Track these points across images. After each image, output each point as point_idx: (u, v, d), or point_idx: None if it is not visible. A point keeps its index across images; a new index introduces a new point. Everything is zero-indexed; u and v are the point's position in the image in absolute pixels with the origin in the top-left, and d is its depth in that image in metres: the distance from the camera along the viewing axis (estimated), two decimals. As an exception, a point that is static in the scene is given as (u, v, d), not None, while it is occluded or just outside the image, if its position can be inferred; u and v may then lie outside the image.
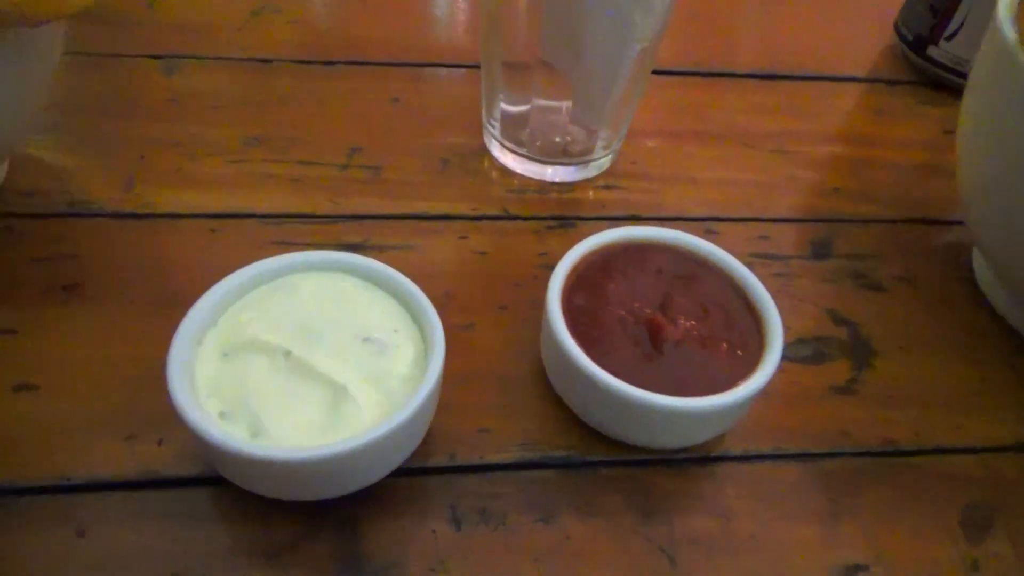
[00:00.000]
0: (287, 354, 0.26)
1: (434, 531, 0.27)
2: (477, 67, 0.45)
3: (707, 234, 0.39)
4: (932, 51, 0.51)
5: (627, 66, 0.36)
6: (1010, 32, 0.30)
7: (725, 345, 0.29)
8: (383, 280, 0.29)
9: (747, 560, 0.27)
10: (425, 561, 0.26)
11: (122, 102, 0.42)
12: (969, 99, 0.35)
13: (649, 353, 0.28)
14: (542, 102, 0.39)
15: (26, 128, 0.33)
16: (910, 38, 0.52)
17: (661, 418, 0.27)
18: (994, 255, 0.35)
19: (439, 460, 0.29)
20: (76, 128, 0.39)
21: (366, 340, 0.27)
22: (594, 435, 0.30)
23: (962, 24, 0.49)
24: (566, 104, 0.39)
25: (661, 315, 0.29)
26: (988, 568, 0.28)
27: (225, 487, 0.27)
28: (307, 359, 0.26)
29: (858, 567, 0.28)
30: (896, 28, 0.54)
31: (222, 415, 0.25)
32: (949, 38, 0.50)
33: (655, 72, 0.49)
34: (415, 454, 0.28)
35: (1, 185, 0.36)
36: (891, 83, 0.52)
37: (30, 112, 0.33)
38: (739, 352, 0.29)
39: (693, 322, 0.29)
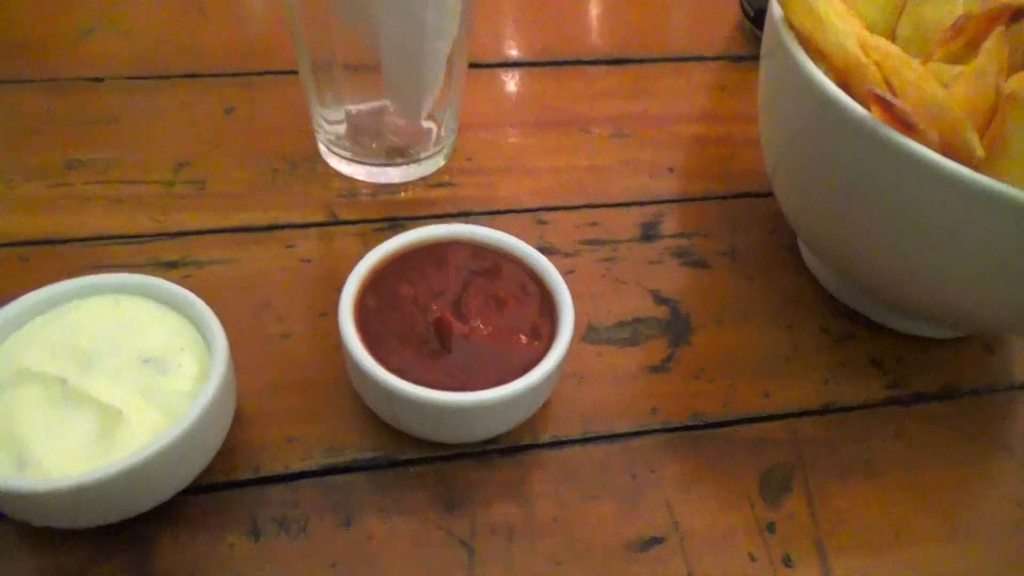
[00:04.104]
0: (63, 382, 0.26)
1: (231, 544, 0.27)
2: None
3: (537, 224, 0.40)
4: (772, 26, 0.52)
5: (434, 63, 0.36)
6: (777, 8, 0.31)
7: (522, 336, 0.30)
8: (171, 299, 0.29)
9: (546, 543, 0.28)
10: None
11: (-63, 132, 0.41)
12: (762, 60, 0.35)
13: (436, 350, 0.28)
14: (356, 107, 0.39)
15: None
16: (752, 14, 0.54)
17: (447, 414, 0.27)
18: (796, 224, 0.36)
19: (243, 473, 0.29)
20: None
21: (146, 361, 0.27)
22: (403, 436, 0.30)
23: (794, -2, 0.50)
24: (389, 105, 0.39)
25: (449, 313, 0.29)
26: (784, 529, 0.30)
27: (10, 522, 0.27)
28: (83, 386, 0.26)
29: (654, 539, 0.29)
30: (741, 5, 0.55)
31: (-11, 450, 0.25)
32: (785, 12, 0.51)
33: (500, 65, 0.50)
34: (215, 469, 0.28)
35: None
36: (736, 59, 0.53)
37: None
38: (536, 342, 0.29)
39: (486, 317, 0.29)
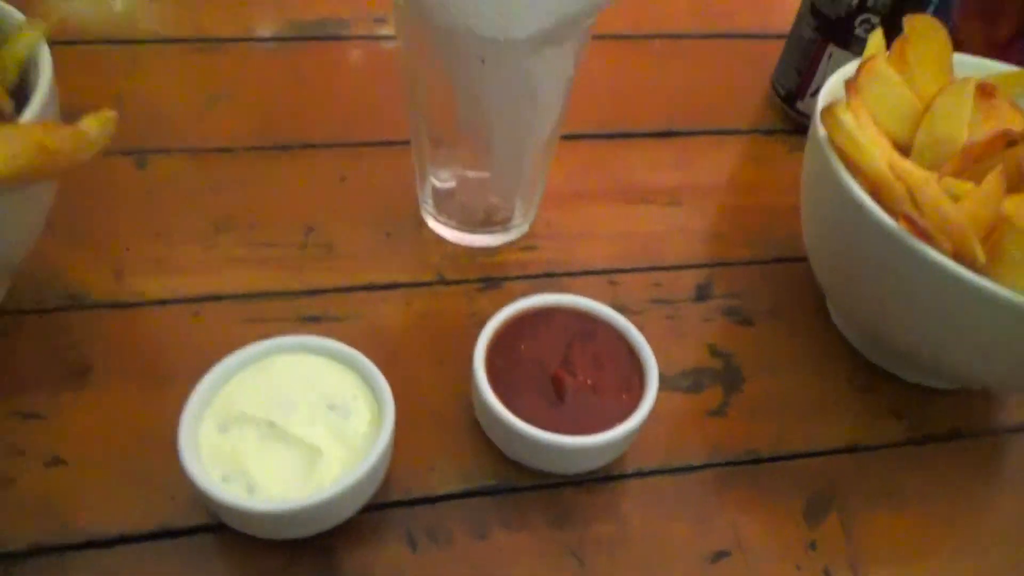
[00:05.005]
0: (271, 424, 0.33)
1: (396, 553, 0.35)
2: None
3: (610, 285, 0.48)
4: (800, 105, 0.60)
5: (532, 153, 0.44)
6: (822, 129, 0.39)
7: (614, 390, 0.37)
8: (340, 355, 0.36)
9: (639, 555, 0.36)
10: (389, 577, 0.34)
11: (104, 198, 0.48)
12: (805, 160, 0.43)
13: (553, 401, 0.36)
14: (469, 174, 0.46)
15: (28, 249, 0.39)
16: (783, 93, 0.61)
17: (564, 453, 0.35)
18: (829, 294, 0.43)
19: (398, 496, 0.37)
20: (67, 226, 0.45)
21: (332, 407, 0.34)
22: (518, 466, 0.38)
23: (821, 84, 0.58)
24: (485, 176, 0.46)
25: (563, 370, 0.37)
26: (823, 546, 0.37)
27: (223, 531, 0.34)
28: (286, 427, 0.33)
29: (723, 553, 0.36)
30: (772, 84, 0.63)
31: (224, 478, 0.32)
32: (813, 94, 0.59)
33: (566, 137, 0.57)
34: (378, 493, 0.36)
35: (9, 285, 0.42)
36: (768, 132, 0.61)
37: (33, 237, 0.39)
38: (625, 395, 0.37)
39: (588, 373, 0.37)
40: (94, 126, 0.33)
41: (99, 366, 0.40)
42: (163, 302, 0.43)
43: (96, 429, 0.37)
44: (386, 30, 0.64)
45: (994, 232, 0.34)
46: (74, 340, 0.41)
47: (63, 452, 0.36)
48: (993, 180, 0.34)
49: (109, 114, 0.34)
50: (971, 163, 0.37)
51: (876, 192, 0.37)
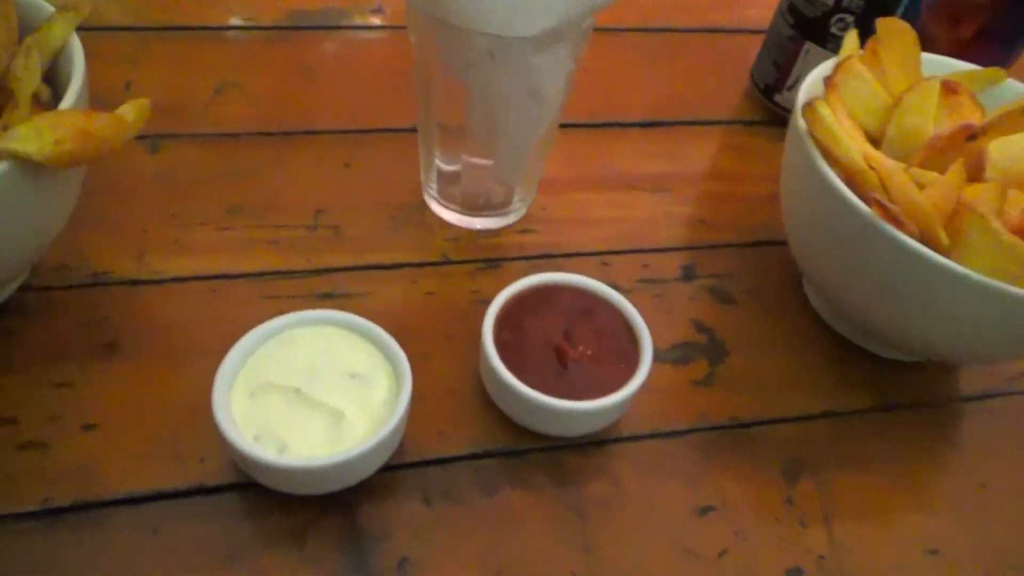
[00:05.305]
0: (297, 391, 0.36)
1: (412, 509, 0.38)
2: (414, 131, 0.54)
3: (602, 266, 0.51)
4: (778, 98, 0.63)
5: (534, 143, 0.47)
6: (802, 122, 0.42)
7: (612, 361, 0.40)
8: (360, 328, 0.39)
9: (634, 511, 0.39)
10: (407, 531, 0.37)
11: (120, 182, 0.50)
12: (786, 149, 0.46)
13: (557, 370, 0.39)
14: (474, 160, 0.49)
15: (62, 227, 0.41)
16: (762, 87, 0.65)
17: (566, 417, 0.38)
18: (806, 274, 0.47)
19: (412, 457, 0.39)
20: (88, 210, 0.47)
21: (354, 376, 0.37)
22: (523, 431, 0.41)
23: (798, 78, 0.61)
24: (489, 164, 0.49)
25: (565, 342, 0.40)
26: (799, 502, 0.41)
27: (255, 489, 0.37)
28: (312, 394, 0.36)
29: (709, 508, 0.40)
30: (751, 78, 0.66)
31: (256, 438, 0.35)
32: (790, 88, 0.62)
33: (561, 126, 0.60)
34: (395, 455, 0.39)
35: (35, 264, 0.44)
36: (747, 124, 0.64)
37: (67, 217, 0.41)
38: (622, 365, 0.40)
39: (588, 345, 0.40)
40: (131, 112, 0.35)
41: (124, 339, 0.42)
42: (182, 279, 0.45)
43: (125, 397, 0.40)
44: (383, 20, 0.66)
45: (956, 217, 0.37)
46: (99, 316, 0.43)
47: (96, 418, 0.39)
48: (955, 170, 0.37)
49: (143, 102, 0.36)
50: (936, 154, 0.41)
51: (851, 180, 0.40)
